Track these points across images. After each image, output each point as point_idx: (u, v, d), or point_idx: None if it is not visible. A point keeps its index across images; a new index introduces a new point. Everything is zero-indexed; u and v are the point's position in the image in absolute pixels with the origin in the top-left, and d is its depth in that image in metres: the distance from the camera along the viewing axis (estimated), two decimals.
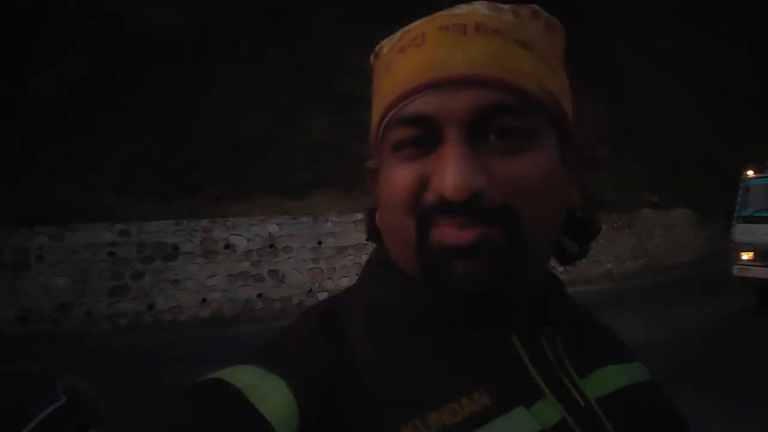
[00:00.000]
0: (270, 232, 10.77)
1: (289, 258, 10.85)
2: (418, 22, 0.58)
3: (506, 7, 0.58)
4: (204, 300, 10.12)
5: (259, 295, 10.53)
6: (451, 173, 0.51)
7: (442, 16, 0.56)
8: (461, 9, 0.57)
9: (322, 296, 10.26)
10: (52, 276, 9.25)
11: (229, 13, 13.00)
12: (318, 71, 12.97)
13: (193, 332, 9.23)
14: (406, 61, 0.55)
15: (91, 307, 9.45)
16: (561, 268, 6.02)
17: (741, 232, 9.71)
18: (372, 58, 0.62)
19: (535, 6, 0.59)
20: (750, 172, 10.08)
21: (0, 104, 10.60)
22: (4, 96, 10.72)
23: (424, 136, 0.54)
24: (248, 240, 10.54)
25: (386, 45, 0.60)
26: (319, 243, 11.09)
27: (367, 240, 0.66)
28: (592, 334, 0.67)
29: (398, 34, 0.59)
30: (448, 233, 0.52)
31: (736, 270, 9.62)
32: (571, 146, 0.59)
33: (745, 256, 9.45)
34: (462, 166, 0.51)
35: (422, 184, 0.53)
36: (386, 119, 0.56)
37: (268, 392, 0.49)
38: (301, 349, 0.54)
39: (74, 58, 11.67)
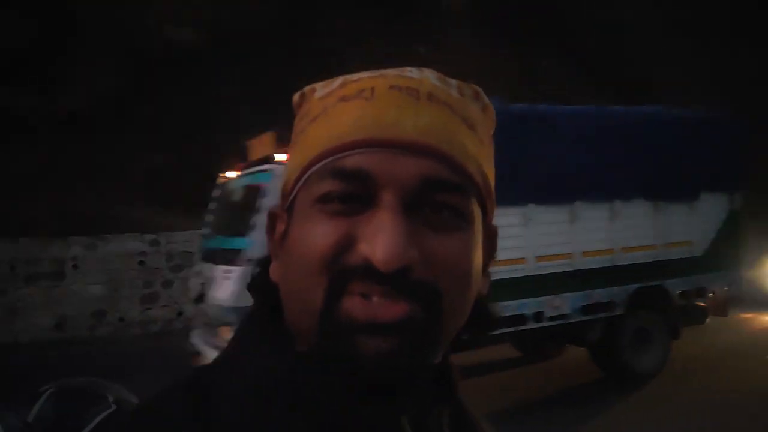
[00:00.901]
0: None
1: None
2: (364, 74, 0.55)
3: (453, 82, 0.57)
4: None
5: None
6: (385, 242, 0.47)
7: (392, 75, 0.55)
8: (413, 73, 0.55)
9: None
10: (87, 284, 9.69)
11: (244, 25, 13.37)
12: None
13: None
14: (349, 112, 0.52)
15: (124, 314, 9.88)
16: None
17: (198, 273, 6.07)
18: (297, 98, 0.59)
19: (477, 87, 0.59)
20: (230, 174, 6.33)
21: (32, 120, 11.11)
22: (37, 112, 11.23)
23: (356, 194, 0.50)
24: None
25: (321, 89, 0.57)
26: None
27: (251, 294, 0.59)
28: (470, 418, 0.63)
29: (338, 80, 0.56)
30: (362, 306, 0.48)
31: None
32: (489, 232, 0.58)
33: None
34: (398, 236, 0.48)
35: (346, 244, 0.49)
36: (314, 167, 0.52)
37: None
38: None
39: (103, 74, 12.14)
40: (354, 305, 0.48)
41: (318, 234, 0.50)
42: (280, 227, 0.56)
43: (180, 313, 10.17)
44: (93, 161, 11.05)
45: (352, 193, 0.50)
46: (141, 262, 10.15)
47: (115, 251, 10.01)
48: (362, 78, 0.55)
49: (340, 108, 0.53)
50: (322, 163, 0.52)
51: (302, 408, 0.50)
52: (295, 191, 0.54)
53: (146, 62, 12.38)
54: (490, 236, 0.59)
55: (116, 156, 11.26)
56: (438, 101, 0.54)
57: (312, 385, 0.50)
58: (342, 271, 0.49)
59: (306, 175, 0.53)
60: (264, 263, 0.59)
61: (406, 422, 0.53)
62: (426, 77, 0.55)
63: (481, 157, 0.55)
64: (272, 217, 0.58)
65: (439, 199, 0.51)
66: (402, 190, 0.50)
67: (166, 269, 10.31)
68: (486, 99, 0.59)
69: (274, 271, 0.56)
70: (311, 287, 0.50)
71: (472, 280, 0.53)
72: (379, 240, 0.48)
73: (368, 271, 0.48)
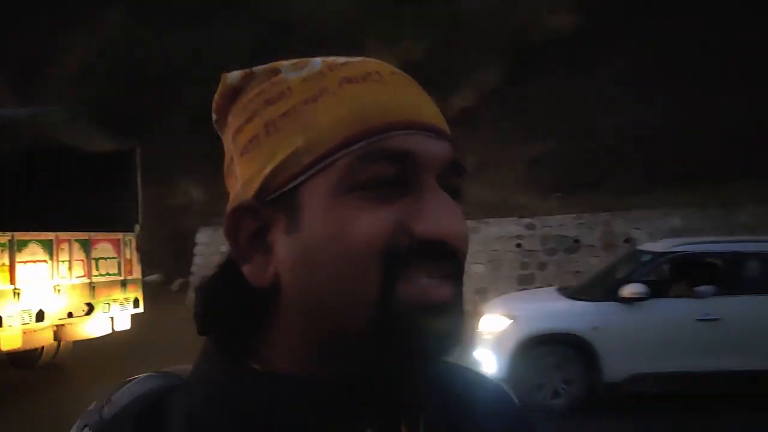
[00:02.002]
0: (673, 226, 10.31)
1: None
2: (342, 58, 0.53)
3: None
4: None
5: None
6: (454, 219, 0.48)
7: (368, 61, 0.53)
8: (373, 59, 0.54)
9: None
10: (471, 264, 10.75)
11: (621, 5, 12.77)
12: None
13: None
14: (367, 94, 0.50)
15: (503, 293, 10.67)
16: None
17: None
18: (238, 79, 0.54)
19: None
20: None
21: None
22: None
23: (399, 178, 0.48)
24: (649, 234, 10.32)
25: (290, 70, 0.53)
26: None
27: (214, 315, 0.54)
28: (466, 410, 0.60)
29: (315, 61, 0.53)
30: (425, 288, 0.47)
31: None
32: None
33: None
34: (460, 214, 0.49)
35: (400, 229, 0.47)
36: (344, 151, 0.48)
37: None
38: None
39: (489, 71, 13.16)
40: (413, 286, 0.47)
41: (365, 220, 0.47)
42: (250, 225, 0.51)
43: None
44: (478, 153, 12.12)
45: (394, 176, 0.48)
46: (518, 245, 10.79)
47: (496, 234, 10.86)
48: (351, 61, 0.53)
49: (352, 89, 0.50)
50: (355, 147, 0.48)
51: (252, 425, 0.48)
52: (295, 182, 0.49)
53: (525, 51, 12.91)
54: None
55: (498, 146, 12.11)
56: (424, 89, 0.54)
57: (265, 403, 0.49)
58: (398, 255, 0.47)
59: (323, 163, 0.48)
60: (227, 269, 0.53)
61: None
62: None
63: None
64: (237, 215, 0.51)
65: (455, 182, 0.51)
66: (437, 170, 0.50)
67: (542, 252, 10.72)
68: None
69: (258, 274, 0.50)
70: (362, 275, 0.47)
71: None
72: (446, 217, 0.47)
73: (431, 251, 0.47)
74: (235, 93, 0.54)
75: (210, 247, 14.27)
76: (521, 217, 10.91)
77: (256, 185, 0.50)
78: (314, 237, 0.48)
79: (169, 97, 15.45)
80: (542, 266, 10.69)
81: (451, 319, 0.48)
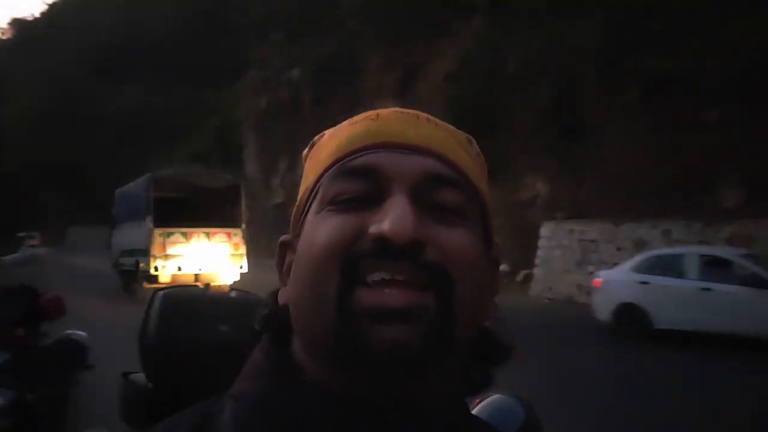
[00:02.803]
0: None
1: None
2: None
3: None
4: None
5: None
6: (397, 215, 0.48)
7: (389, 109, 0.58)
8: (402, 110, 0.59)
9: None
10: None
11: None
12: None
13: None
14: (357, 129, 0.55)
15: None
16: None
17: None
18: (306, 150, 0.61)
19: (469, 136, 0.61)
20: None
21: None
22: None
23: (368, 193, 0.51)
24: None
25: (327, 132, 0.60)
26: None
27: (262, 330, 0.58)
28: None
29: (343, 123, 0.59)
30: (377, 294, 0.47)
31: None
32: (490, 258, 0.57)
33: None
34: (409, 212, 0.48)
35: (358, 234, 0.49)
36: (326, 173, 0.54)
37: None
38: None
39: None
40: (366, 293, 0.47)
41: (328, 228, 0.50)
42: (291, 256, 0.56)
43: None
44: None
45: (363, 191, 0.51)
46: None
47: None
48: (367, 112, 0.59)
49: (348, 128, 0.56)
50: (331, 169, 0.54)
51: None
52: (305, 210, 0.55)
53: None
54: (492, 263, 0.58)
55: None
56: (437, 123, 0.57)
57: (310, 414, 0.49)
58: (353, 257, 0.48)
59: (316, 188, 0.55)
60: (274, 296, 0.59)
61: None
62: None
63: (476, 173, 0.57)
64: (282, 247, 0.59)
65: (441, 197, 0.52)
66: (408, 184, 0.51)
67: None
68: (477, 147, 0.61)
69: (282, 296, 0.56)
70: (323, 280, 0.49)
71: (481, 278, 0.53)
72: (391, 215, 0.48)
73: (381, 250, 0.48)
74: (305, 162, 0.61)
75: (552, 241, 14.46)
76: None
77: (291, 224, 0.58)
78: (299, 252, 0.53)
79: (518, 95, 16.09)
80: None
81: (409, 327, 0.46)
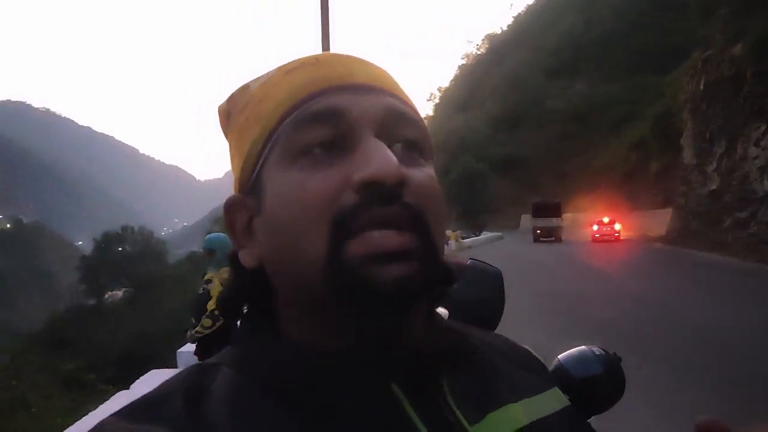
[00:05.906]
0: None
1: None
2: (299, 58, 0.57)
3: None
4: None
5: None
6: (381, 156, 0.48)
7: (317, 54, 0.57)
8: (330, 53, 0.58)
9: None
10: None
11: None
12: None
13: None
14: (299, 77, 0.54)
15: None
16: None
17: None
18: (224, 104, 0.60)
19: None
20: None
21: None
22: None
23: (337, 139, 0.50)
24: None
25: (254, 83, 0.58)
26: None
27: (238, 295, 0.58)
28: (491, 370, 0.60)
29: (276, 68, 0.57)
30: (373, 240, 0.47)
31: None
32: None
33: None
34: (389, 152, 0.48)
35: (341, 187, 0.49)
36: (279, 129, 0.52)
37: None
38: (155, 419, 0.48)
39: None
40: (361, 242, 0.47)
41: (310, 183, 0.49)
42: (242, 216, 0.56)
43: None
44: None
45: (329, 135, 0.50)
46: None
47: None
48: (300, 57, 0.57)
49: (290, 77, 0.54)
50: (288, 119, 0.52)
51: (294, 398, 0.49)
52: (257, 168, 0.54)
53: None
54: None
55: None
56: (374, 63, 0.57)
57: (305, 374, 0.50)
58: (343, 209, 0.48)
59: (270, 143, 0.53)
60: (234, 262, 0.57)
61: (399, 391, 0.51)
62: None
63: (418, 112, 0.57)
64: (230, 209, 0.57)
65: (406, 134, 0.52)
66: (374, 123, 0.51)
67: None
68: None
69: (248, 256, 0.55)
70: (310, 237, 0.48)
71: (445, 215, 0.54)
72: (375, 159, 0.48)
73: (370, 196, 0.48)
74: (227, 117, 0.60)
75: None
76: None
77: (236, 180, 0.58)
78: (272, 210, 0.52)
79: None
80: None
81: (408, 264, 0.48)
